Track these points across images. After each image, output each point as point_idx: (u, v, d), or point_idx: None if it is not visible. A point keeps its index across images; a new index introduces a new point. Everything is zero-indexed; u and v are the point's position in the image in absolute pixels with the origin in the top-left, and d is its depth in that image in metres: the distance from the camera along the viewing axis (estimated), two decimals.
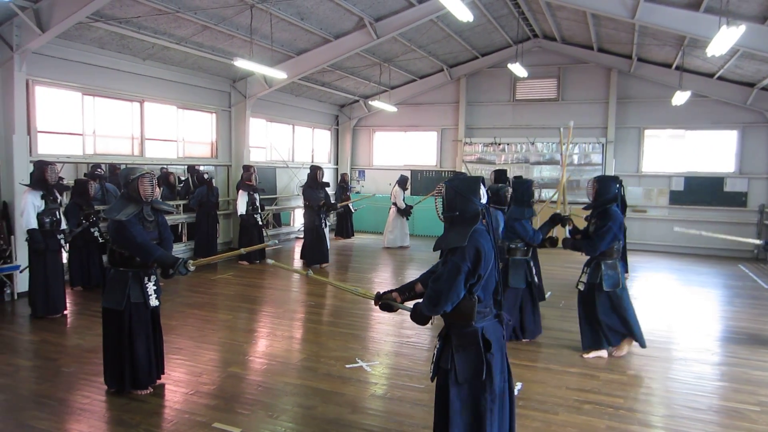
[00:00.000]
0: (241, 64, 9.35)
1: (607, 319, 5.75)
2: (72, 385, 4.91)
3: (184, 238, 11.45)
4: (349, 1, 9.84)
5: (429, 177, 16.33)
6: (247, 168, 11.25)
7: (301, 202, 13.52)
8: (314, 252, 10.70)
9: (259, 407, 4.55)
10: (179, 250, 10.76)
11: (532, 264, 6.37)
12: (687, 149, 14.05)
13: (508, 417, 3.25)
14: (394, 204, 13.32)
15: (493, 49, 14.84)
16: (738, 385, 5.20)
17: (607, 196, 5.73)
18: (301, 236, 14.18)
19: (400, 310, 3.48)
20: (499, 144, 15.34)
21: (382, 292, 3.52)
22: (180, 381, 5.10)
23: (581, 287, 5.93)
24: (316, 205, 10.55)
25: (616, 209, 5.71)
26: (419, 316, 3.22)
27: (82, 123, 9.44)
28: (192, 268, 4.42)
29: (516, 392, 4.86)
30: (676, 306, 8.42)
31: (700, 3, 8.50)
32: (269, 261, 4.82)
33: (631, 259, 10.76)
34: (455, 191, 3.20)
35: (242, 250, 5.72)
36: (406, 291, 3.50)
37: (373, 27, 10.83)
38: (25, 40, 7.75)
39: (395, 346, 6.22)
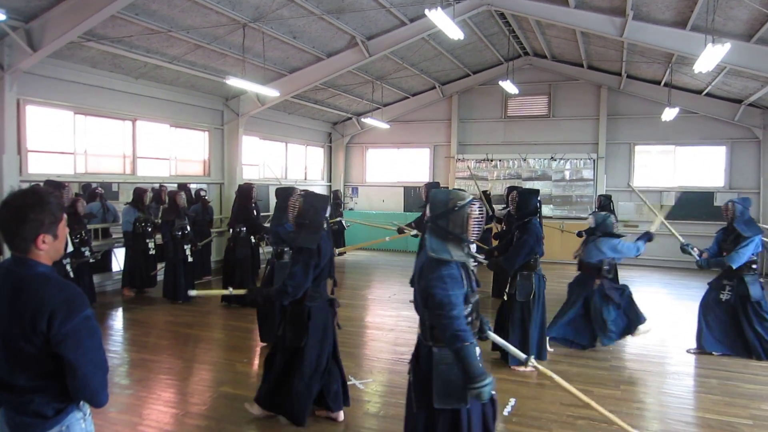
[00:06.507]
0: (234, 82, 9.39)
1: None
2: None
3: None
4: (341, 20, 9.92)
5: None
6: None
7: None
8: None
9: (252, 427, 4.49)
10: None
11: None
12: (677, 164, 14.20)
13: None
14: None
15: (484, 67, 15.00)
16: (730, 399, 5.20)
17: (527, 209, 5.81)
18: None
19: None
20: (491, 160, 15.44)
21: None
22: (170, 402, 5.05)
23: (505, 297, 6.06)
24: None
25: (535, 222, 5.77)
26: None
27: (73, 142, 9.42)
28: None
29: (510, 408, 4.85)
30: (668, 320, 8.42)
31: (686, 21, 8.65)
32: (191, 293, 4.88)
33: (623, 273, 10.77)
34: (309, 204, 4.23)
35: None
36: None
37: (365, 45, 10.92)
38: (16, 59, 7.72)
39: (389, 364, 6.19)
